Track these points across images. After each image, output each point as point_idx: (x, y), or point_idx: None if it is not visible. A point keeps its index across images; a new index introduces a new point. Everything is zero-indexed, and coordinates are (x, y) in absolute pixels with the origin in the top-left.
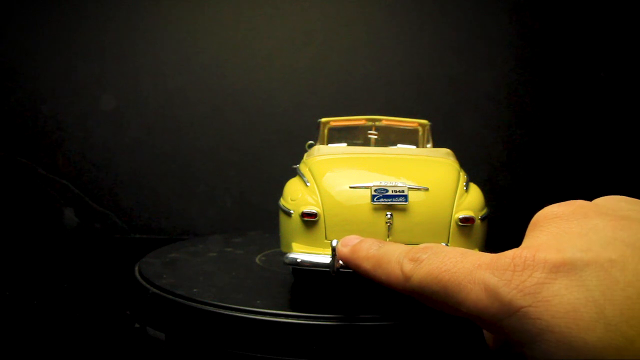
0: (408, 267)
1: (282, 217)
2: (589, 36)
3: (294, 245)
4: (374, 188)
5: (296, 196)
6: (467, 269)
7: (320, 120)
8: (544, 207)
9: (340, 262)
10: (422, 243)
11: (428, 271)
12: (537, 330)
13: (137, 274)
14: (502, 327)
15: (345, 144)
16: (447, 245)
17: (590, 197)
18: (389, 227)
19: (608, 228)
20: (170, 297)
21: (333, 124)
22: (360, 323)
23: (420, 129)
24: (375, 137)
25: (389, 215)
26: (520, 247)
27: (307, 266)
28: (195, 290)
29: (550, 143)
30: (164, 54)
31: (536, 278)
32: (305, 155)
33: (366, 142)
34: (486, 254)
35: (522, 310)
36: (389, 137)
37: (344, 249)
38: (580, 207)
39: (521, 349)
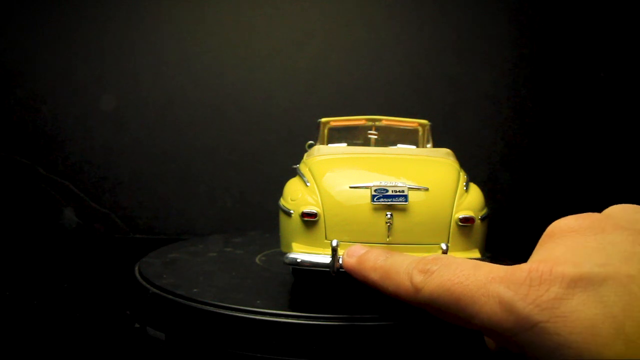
0: (418, 278)
1: (282, 217)
2: (589, 36)
3: (294, 245)
4: (374, 188)
5: (296, 196)
6: (481, 282)
7: (320, 120)
8: (557, 219)
9: (341, 262)
10: (422, 243)
11: (439, 283)
12: (555, 346)
13: (137, 274)
14: (517, 342)
15: (345, 144)
16: (447, 245)
17: (590, 197)
18: (389, 227)
19: (626, 243)
20: (170, 297)
21: (333, 124)
22: (360, 323)
23: (420, 129)
24: (375, 137)
25: (389, 215)
26: (536, 260)
27: (307, 266)
28: (195, 290)
29: (550, 143)
30: (164, 54)
31: (554, 293)
32: (305, 155)
33: (366, 142)
34: (500, 266)
35: (539, 325)
36: (389, 137)
37: (350, 260)
38: (597, 221)
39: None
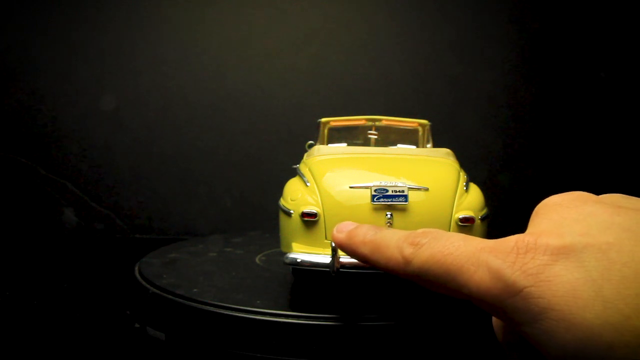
0: (408, 251)
1: (282, 217)
2: (589, 36)
3: (294, 245)
4: (374, 188)
5: (296, 196)
6: (470, 252)
7: (320, 120)
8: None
9: (341, 260)
10: None
11: (430, 255)
12: (539, 309)
13: (137, 274)
14: (504, 308)
15: (345, 144)
16: None
17: None
18: (389, 227)
19: (605, 214)
20: (170, 297)
21: (333, 124)
22: (360, 323)
23: (420, 129)
24: (375, 137)
25: (389, 215)
26: (523, 233)
27: (307, 266)
28: (195, 290)
29: (550, 143)
30: (164, 54)
31: (539, 260)
32: (305, 155)
33: (366, 142)
34: (488, 239)
35: (525, 290)
36: (389, 137)
37: (339, 235)
38: (579, 196)
39: (522, 328)
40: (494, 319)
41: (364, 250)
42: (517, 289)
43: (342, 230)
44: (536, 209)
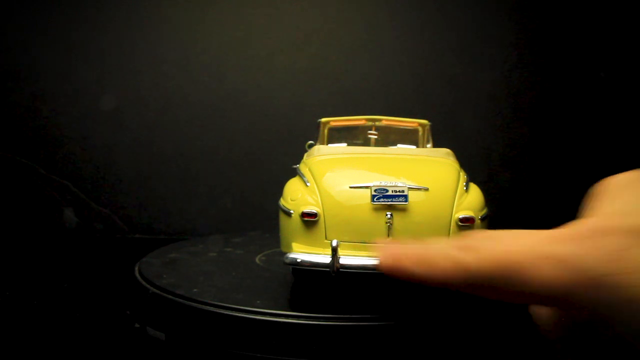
0: (461, 257)
1: (282, 217)
2: (589, 36)
3: (294, 245)
4: (374, 188)
5: (296, 196)
6: (529, 246)
7: (320, 120)
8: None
9: (341, 260)
10: None
11: (486, 257)
12: (627, 298)
13: (137, 274)
14: (581, 302)
15: (345, 144)
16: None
17: None
18: (389, 227)
19: None
20: (170, 297)
21: (333, 124)
22: (360, 323)
23: (420, 129)
24: (375, 137)
25: (389, 215)
26: (587, 217)
27: (307, 266)
28: (195, 290)
29: (550, 143)
30: (164, 53)
31: (616, 244)
32: (305, 155)
33: (366, 142)
34: (541, 230)
35: (606, 279)
36: (389, 137)
37: (386, 260)
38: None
39: (605, 319)
40: (536, 310)
41: (414, 268)
42: (597, 278)
43: (387, 253)
44: (595, 191)
